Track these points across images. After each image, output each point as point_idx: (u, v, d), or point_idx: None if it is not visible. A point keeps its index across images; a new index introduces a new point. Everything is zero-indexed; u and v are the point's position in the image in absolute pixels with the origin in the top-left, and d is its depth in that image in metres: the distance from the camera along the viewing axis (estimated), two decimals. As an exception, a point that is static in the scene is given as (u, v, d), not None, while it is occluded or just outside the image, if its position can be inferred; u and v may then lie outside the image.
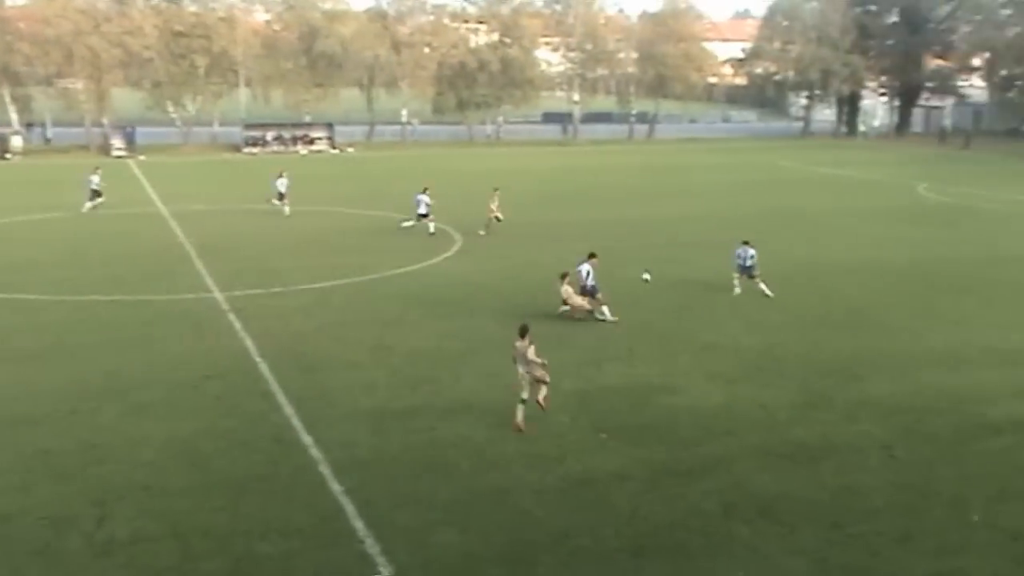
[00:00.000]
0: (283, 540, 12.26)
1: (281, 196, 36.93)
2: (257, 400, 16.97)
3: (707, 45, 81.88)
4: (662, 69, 76.34)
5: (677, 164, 58.60)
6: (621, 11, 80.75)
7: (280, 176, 37.54)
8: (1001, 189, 46.97)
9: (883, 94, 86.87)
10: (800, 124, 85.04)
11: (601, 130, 78.41)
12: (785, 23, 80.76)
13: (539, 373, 15.82)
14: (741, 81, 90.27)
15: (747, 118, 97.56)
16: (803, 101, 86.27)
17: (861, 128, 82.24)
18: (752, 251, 24.52)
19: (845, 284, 26.16)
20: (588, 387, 17.32)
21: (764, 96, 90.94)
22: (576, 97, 77.29)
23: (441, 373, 18.52)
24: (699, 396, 17.38)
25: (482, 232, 32.81)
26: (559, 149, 68.94)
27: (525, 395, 15.66)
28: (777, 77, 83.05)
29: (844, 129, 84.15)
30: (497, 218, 33.18)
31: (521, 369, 15.73)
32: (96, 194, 37.56)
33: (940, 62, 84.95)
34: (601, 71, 78.64)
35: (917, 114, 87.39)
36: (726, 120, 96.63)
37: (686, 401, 17.13)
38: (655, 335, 21.07)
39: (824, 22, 78.27)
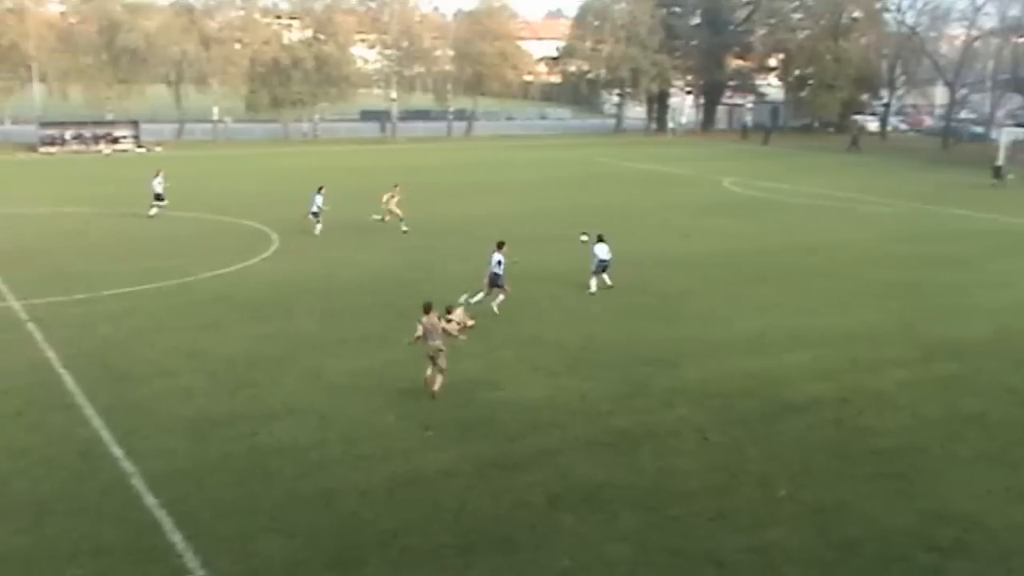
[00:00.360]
0: (93, 560, 11.65)
1: (159, 197, 34.90)
2: (61, 414, 16.05)
3: (522, 44, 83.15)
4: (479, 67, 76.99)
5: (497, 161, 59.25)
6: (436, 9, 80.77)
7: (156, 176, 35.42)
8: (797, 182, 49.87)
9: (690, 92, 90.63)
10: (613, 121, 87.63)
11: (420, 128, 78.35)
12: (596, 23, 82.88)
13: (438, 343, 16.72)
14: (556, 79, 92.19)
15: (563, 115, 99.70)
16: (615, 99, 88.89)
17: (670, 125, 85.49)
18: (606, 246, 25.03)
19: (660, 275, 27.12)
20: (413, 386, 17.24)
21: (578, 94, 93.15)
22: (393, 95, 76.90)
23: (260, 377, 18.03)
24: (523, 390, 17.62)
25: (376, 217, 33.41)
26: (378, 147, 68.45)
27: (443, 364, 16.87)
28: (590, 75, 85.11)
29: (654, 126, 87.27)
30: (398, 215, 33.13)
31: (435, 342, 16.70)
32: None
33: (740, 62, 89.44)
34: (418, 69, 78.49)
35: (721, 111, 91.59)
36: (543, 117, 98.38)
37: (510, 395, 17.32)
38: (479, 330, 21.19)
39: (633, 22, 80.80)
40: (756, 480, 14.15)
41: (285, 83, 70.24)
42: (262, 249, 29.91)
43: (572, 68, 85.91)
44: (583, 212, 37.92)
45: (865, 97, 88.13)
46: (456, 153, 64.50)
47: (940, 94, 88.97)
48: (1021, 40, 73.95)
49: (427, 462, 14.47)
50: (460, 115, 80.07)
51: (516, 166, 56.22)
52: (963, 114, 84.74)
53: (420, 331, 16.89)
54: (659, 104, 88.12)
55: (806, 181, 50.41)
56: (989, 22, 76.97)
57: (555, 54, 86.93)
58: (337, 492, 13.45)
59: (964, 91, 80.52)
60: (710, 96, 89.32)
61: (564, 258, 26.66)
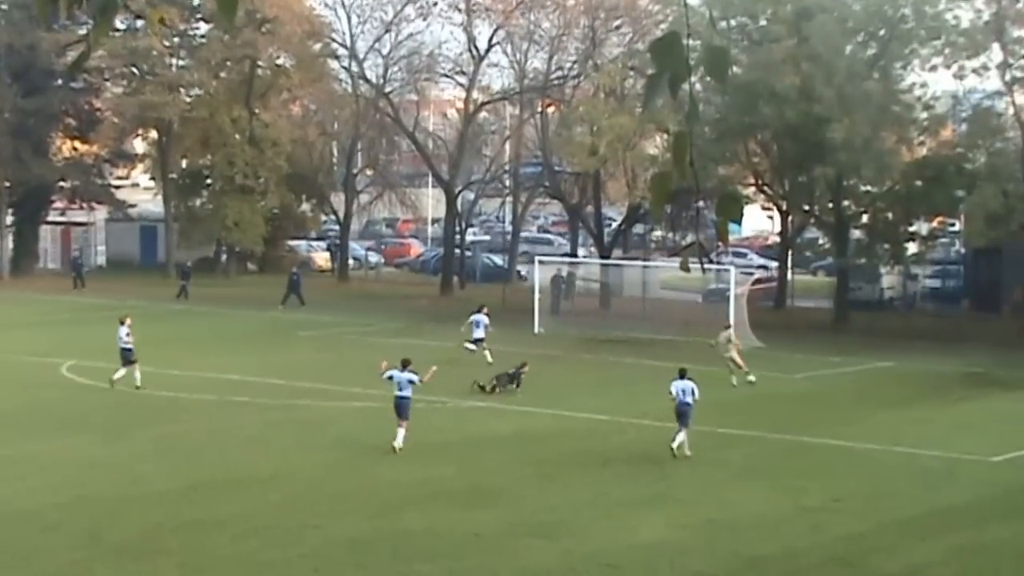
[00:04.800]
0: None
1: None
2: None
3: None
4: None
5: None
6: None
7: None
8: (196, 362, 50.83)
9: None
10: None
11: None
12: None
13: None
14: None
15: None
16: None
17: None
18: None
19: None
20: None
21: None
22: None
23: None
24: None
25: (751, 378, 47.97)
26: None
27: None
28: None
29: None
30: (737, 363, 48.09)
31: None
32: None
33: (81, 146, 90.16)
34: None
35: (50, 237, 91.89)
36: None
37: None
38: None
39: None
40: None
41: None
42: None
43: None
44: None
45: (307, 208, 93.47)
46: None
47: (435, 202, 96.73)
48: (551, 110, 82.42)
49: None
50: None
51: None
52: (472, 234, 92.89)
53: None
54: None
55: (214, 360, 51.68)
56: (500, 79, 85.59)
57: None
58: None
59: (470, 195, 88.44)
60: (25, 209, 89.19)
61: None
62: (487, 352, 50.91)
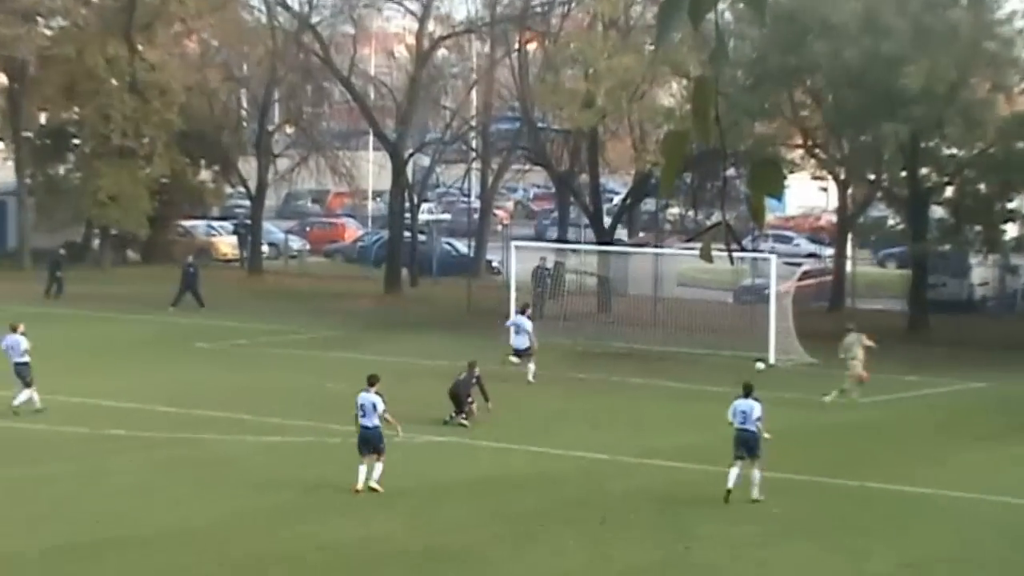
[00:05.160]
0: None
1: None
2: None
3: None
4: None
5: None
6: None
7: None
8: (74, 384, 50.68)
9: None
10: None
11: None
12: None
13: None
14: None
15: None
16: None
17: None
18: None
19: None
20: None
21: None
22: None
23: None
24: None
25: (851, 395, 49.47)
26: None
27: None
28: None
29: None
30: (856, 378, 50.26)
31: None
32: None
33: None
34: None
35: None
36: None
37: None
38: None
39: None
40: None
41: None
42: None
43: None
44: None
45: (206, 177, 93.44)
46: None
47: (377, 169, 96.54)
48: (533, 46, 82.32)
49: None
50: None
51: None
52: (427, 212, 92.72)
53: None
54: None
55: (85, 380, 51.50)
56: (464, 6, 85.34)
57: None
58: None
59: (424, 161, 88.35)
60: None
61: None
62: (530, 366, 53.33)
